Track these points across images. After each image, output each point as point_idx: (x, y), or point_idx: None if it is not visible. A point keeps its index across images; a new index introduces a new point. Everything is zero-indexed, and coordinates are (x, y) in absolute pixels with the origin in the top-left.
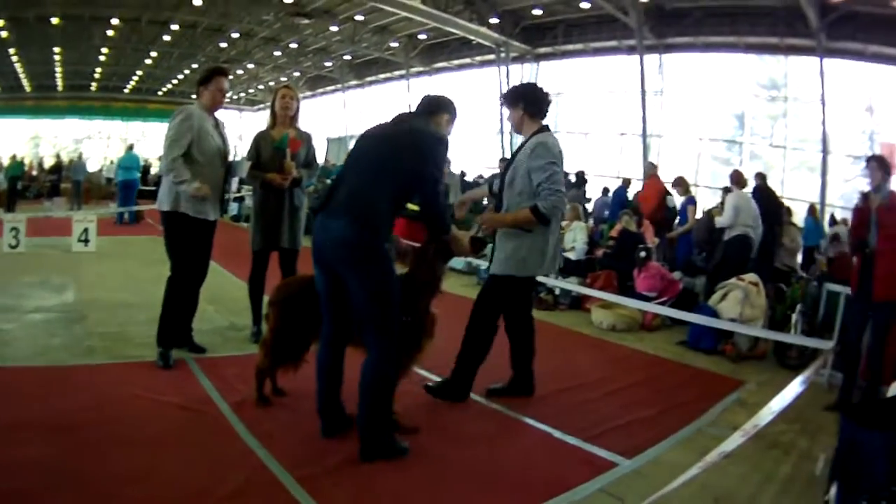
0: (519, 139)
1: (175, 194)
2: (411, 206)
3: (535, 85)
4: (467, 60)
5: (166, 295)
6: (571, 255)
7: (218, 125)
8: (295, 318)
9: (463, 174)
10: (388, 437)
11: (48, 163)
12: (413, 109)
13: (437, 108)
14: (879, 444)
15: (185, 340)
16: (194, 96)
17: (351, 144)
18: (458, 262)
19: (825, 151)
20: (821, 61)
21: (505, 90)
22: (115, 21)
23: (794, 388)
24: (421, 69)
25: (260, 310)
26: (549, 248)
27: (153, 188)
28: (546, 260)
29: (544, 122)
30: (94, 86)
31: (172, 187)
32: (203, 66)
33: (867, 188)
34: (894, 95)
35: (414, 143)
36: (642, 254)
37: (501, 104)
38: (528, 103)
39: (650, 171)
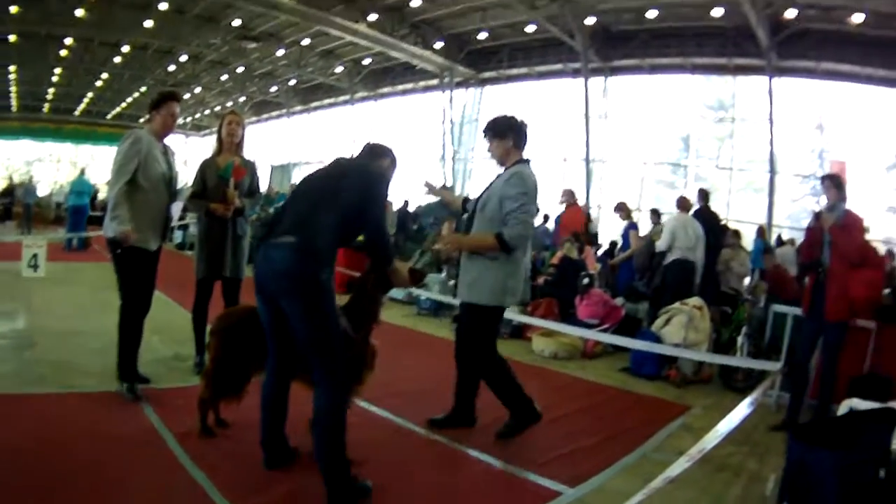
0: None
1: None
2: None
3: (515, 117)
4: (411, 85)
5: (121, 326)
6: None
7: (167, 152)
8: (236, 348)
9: (406, 203)
10: (351, 477)
11: (0, 185)
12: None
13: (378, 154)
14: (829, 463)
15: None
16: (142, 120)
17: (295, 172)
18: (397, 292)
19: (772, 171)
20: (769, 80)
21: (488, 122)
22: (68, 41)
23: (742, 410)
24: (365, 94)
25: (203, 339)
26: (517, 275)
27: (101, 213)
28: (514, 289)
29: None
30: (46, 107)
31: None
32: (151, 90)
33: (818, 207)
34: (845, 112)
35: (358, 179)
36: (585, 281)
37: (485, 135)
38: (516, 135)
39: (570, 200)
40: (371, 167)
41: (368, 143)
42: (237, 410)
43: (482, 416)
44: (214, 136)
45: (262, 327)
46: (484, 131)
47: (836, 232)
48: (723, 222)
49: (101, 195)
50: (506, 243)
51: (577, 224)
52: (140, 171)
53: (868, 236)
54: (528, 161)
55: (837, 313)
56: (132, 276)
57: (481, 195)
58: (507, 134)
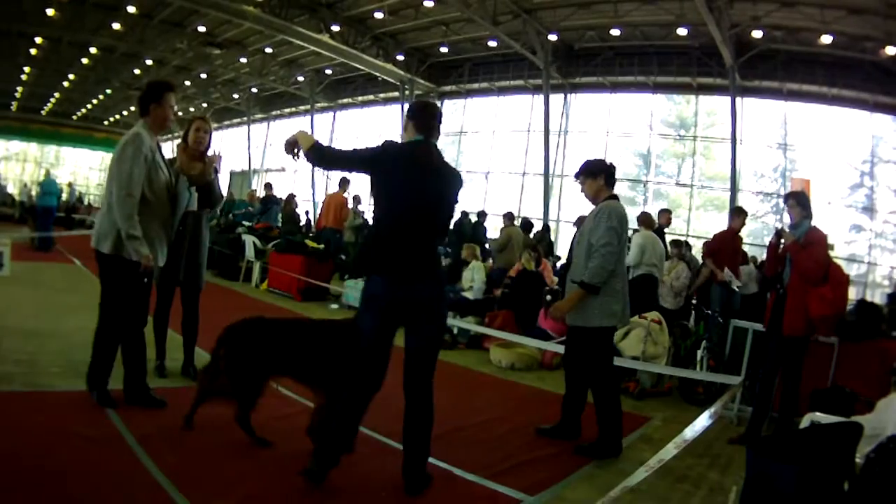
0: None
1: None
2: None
3: (604, 160)
4: (371, 97)
5: (97, 345)
6: (469, 295)
7: (161, 150)
8: (249, 359)
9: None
10: None
11: None
12: (412, 123)
13: (436, 120)
14: (792, 476)
15: (141, 397)
16: (106, 122)
17: (255, 179)
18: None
19: (734, 189)
20: (732, 100)
21: (581, 165)
22: (38, 40)
23: (702, 422)
24: (325, 104)
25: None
26: (618, 300)
27: (63, 214)
28: (618, 312)
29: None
30: (14, 105)
31: (115, 227)
32: (117, 93)
33: (779, 224)
34: (811, 131)
35: (456, 183)
36: (549, 297)
37: (579, 177)
38: (608, 175)
39: (342, 188)
40: (447, 167)
41: (423, 108)
42: (199, 414)
43: (441, 424)
44: (174, 141)
45: (271, 338)
46: (577, 174)
47: (795, 249)
48: (682, 240)
49: (64, 196)
50: (589, 286)
51: (338, 203)
52: (145, 183)
53: (832, 253)
54: (616, 197)
55: (794, 329)
56: (125, 295)
57: (576, 234)
58: (599, 174)
